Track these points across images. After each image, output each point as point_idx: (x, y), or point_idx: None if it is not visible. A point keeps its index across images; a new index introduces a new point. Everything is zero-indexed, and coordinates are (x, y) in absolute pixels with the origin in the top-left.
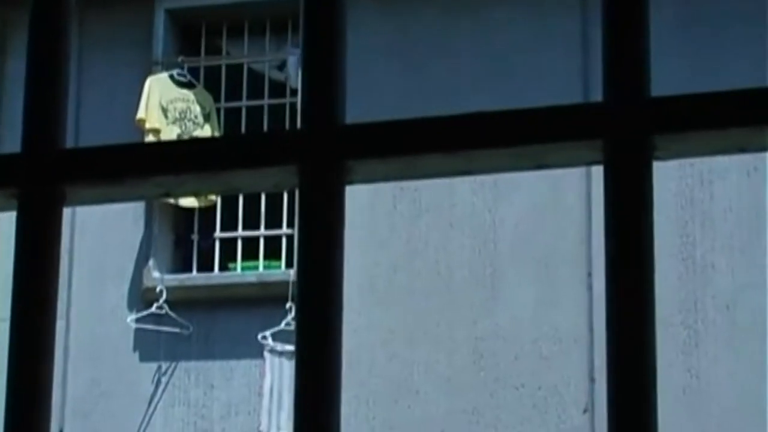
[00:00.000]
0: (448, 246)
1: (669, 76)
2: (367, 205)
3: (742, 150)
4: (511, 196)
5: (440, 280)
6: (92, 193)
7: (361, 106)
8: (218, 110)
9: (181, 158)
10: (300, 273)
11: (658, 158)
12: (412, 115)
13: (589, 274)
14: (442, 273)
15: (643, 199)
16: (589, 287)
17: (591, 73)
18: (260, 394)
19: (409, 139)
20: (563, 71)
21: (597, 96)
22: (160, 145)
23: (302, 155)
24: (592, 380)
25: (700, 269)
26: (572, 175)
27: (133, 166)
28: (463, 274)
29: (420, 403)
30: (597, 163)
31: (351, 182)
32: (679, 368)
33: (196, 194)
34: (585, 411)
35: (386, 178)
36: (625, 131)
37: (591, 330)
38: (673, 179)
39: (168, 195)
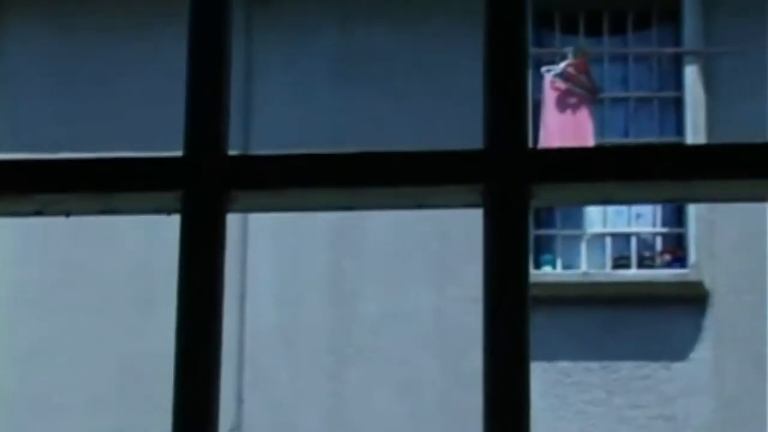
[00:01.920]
0: (108, 266)
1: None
2: (39, 221)
3: (608, 202)
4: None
5: (94, 300)
6: None
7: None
8: None
9: (62, 176)
10: (180, 294)
11: (534, 206)
12: None
13: (242, 296)
14: (101, 293)
15: (519, 242)
16: (241, 306)
17: (253, 98)
18: None
19: (293, 173)
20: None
21: (258, 122)
22: (41, 162)
23: (188, 182)
24: (240, 400)
25: (349, 298)
26: None
27: (12, 183)
28: (120, 294)
29: (63, 421)
30: (476, 206)
31: (231, 211)
32: (325, 392)
33: (69, 214)
34: (231, 431)
35: (268, 209)
36: (504, 179)
37: (241, 350)
38: (325, 215)
39: (40, 213)
